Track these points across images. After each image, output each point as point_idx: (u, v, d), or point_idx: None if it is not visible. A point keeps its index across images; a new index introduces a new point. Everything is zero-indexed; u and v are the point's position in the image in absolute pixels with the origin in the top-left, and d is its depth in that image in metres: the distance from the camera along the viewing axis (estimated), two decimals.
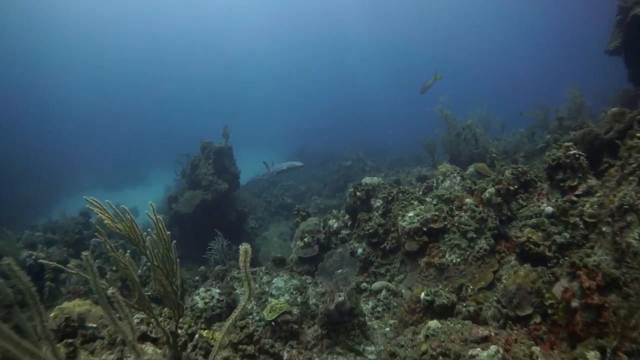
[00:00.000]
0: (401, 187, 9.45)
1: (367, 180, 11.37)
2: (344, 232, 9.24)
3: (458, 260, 6.89)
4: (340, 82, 72.80)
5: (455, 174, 9.64)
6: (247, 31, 69.94)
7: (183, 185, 18.39)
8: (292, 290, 6.47)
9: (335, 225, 9.47)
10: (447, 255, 6.98)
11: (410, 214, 7.58)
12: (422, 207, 7.94)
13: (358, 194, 9.36)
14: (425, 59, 68.91)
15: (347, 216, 9.77)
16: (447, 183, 9.52)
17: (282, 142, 47.03)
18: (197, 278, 10.58)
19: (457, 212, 7.66)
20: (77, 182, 40.28)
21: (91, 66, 66.79)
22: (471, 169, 9.95)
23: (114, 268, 10.45)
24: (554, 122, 13.65)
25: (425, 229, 7.29)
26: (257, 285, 6.74)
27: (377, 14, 63.39)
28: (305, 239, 8.94)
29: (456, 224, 7.37)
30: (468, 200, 7.85)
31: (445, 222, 7.28)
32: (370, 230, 8.15)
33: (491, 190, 7.69)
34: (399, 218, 7.66)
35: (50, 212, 27.40)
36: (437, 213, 7.29)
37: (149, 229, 4.21)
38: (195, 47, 70.98)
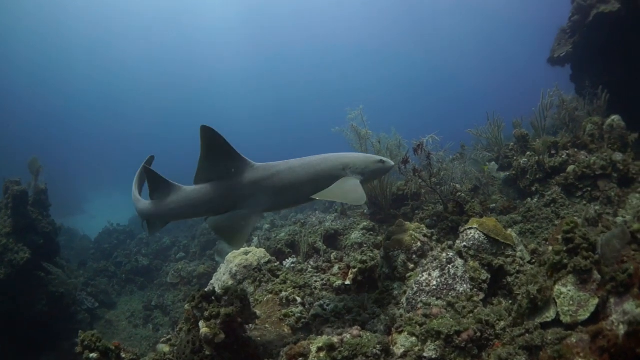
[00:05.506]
0: None
1: (233, 263, 4.95)
2: None
3: None
4: (217, 107, 64.05)
5: (446, 251, 3.64)
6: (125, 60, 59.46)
7: None
8: None
9: None
10: None
11: None
12: None
13: None
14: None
15: None
16: (432, 276, 3.45)
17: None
18: None
19: None
20: None
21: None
22: (473, 232, 3.86)
23: None
24: (508, 142, 8.45)
25: None
26: None
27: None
28: None
29: None
30: None
31: None
32: None
33: None
34: None
35: None
36: None
37: None
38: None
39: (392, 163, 4.13)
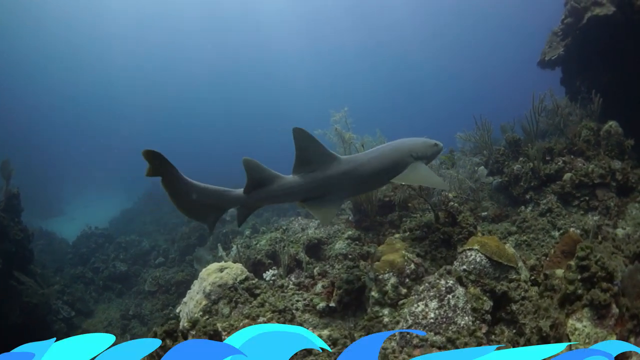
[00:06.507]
0: None
1: (207, 281, 4.49)
2: None
3: None
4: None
5: (444, 278, 3.22)
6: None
7: None
8: None
9: None
10: None
11: None
12: None
13: None
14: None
15: None
16: (429, 307, 3.06)
17: (126, 181, 33.48)
18: None
19: None
20: None
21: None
22: (474, 255, 3.46)
23: None
24: (498, 146, 8.06)
25: None
26: None
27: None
28: None
29: None
30: None
31: None
32: None
33: None
34: None
35: None
36: None
37: None
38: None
39: (442, 144, 4.61)
